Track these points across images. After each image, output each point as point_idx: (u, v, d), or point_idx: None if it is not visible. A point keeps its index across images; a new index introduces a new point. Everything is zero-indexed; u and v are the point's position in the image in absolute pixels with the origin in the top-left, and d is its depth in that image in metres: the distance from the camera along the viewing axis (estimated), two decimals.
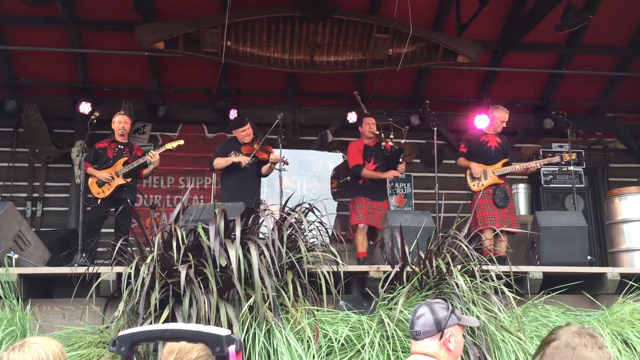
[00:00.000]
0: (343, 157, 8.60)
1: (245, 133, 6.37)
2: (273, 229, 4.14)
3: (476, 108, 8.85)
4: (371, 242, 6.66)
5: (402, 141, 6.62)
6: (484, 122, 7.27)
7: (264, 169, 6.36)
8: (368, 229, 6.41)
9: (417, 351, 2.50)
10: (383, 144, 6.54)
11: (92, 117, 6.17)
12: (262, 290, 3.79)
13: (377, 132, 6.58)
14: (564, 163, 6.84)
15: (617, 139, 9.83)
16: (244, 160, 6.19)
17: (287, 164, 6.29)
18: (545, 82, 9.33)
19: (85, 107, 8.17)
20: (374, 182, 6.52)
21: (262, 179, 6.66)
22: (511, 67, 8.84)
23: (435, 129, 6.20)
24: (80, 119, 8.25)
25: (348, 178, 7.91)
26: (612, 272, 4.98)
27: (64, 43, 8.10)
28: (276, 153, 6.29)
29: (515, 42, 8.37)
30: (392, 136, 6.51)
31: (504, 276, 4.30)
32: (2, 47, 7.93)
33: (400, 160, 6.47)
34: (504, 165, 6.40)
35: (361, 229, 6.34)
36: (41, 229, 8.33)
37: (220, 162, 6.32)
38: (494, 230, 5.68)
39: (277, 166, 6.26)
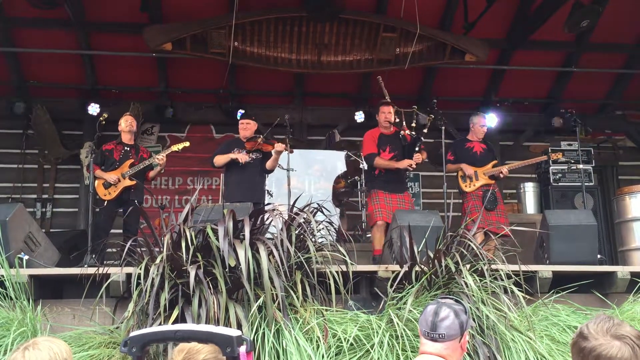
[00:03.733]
0: (349, 156, 8.58)
1: (242, 127, 6.37)
2: (282, 229, 4.14)
3: (486, 107, 8.87)
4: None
5: (425, 131, 6.30)
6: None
7: (269, 163, 6.25)
8: (387, 224, 6.08)
9: (429, 351, 2.49)
10: (402, 132, 6.23)
11: (101, 118, 6.20)
12: (271, 290, 3.79)
13: (397, 121, 6.29)
14: (552, 161, 6.99)
15: (626, 137, 9.79)
16: (241, 157, 6.17)
17: (291, 152, 6.25)
18: (554, 80, 9.30)
19: (93, 109, 8.23)
20: (390, 173, 6.25)
21: (268, 176, 6.63)
22: (519, 66, 8.81)
23: (443, 128, 6.17)
24: (89, 120, 8.31)
25: (356, 178, 7.85)
26: (622, 271, 4.96)
27: (73, 45, 8.15)
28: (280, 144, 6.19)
29: (523, 40, 8.34)
30: (413, 125, 6.21)
31: (513, 275, 4.28)
32: (12, 49, 7.98)
33: (417, 149, 6.14)
34: (494, 166, 6.44)
35: (379, 226, 6.04)
36: (51, 230, 8.39)
37: (219, 159, 6.32)
38: (484, 232, 5.67)
39: (284, 166, 6.23)
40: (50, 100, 8.65)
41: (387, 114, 6.32)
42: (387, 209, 6.06)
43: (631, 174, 9.56)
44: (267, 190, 6.89)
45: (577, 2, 7.12)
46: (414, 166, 6.17)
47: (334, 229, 4.69)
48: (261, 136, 6.26)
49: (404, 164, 6.12)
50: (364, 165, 6.71)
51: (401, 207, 6.05)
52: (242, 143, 6.35)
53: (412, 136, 6.21)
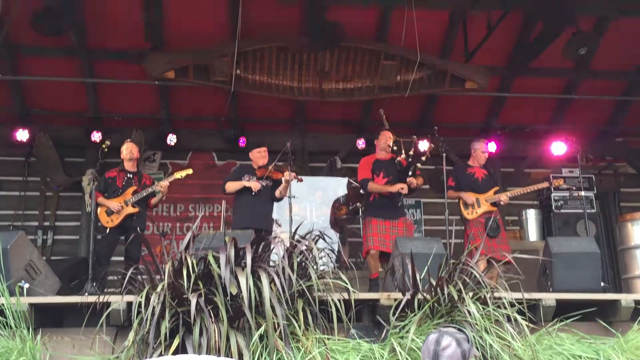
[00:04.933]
0: (351, 183, 8.58)
1: (260, 155, 6.37)
2: (283, 257, 4.13)
3: (487, 134, 8.91)
4: (385, 265, 6.60)
5: (423, 158, 6.36)
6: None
7: (278, 192, 6.25)
8: (381, 252, 6.18)
9: None
10: (398, 158, 6.31)
11: (103, 145, 6.22)
12: (273, 318, 3.76)
13: (395, 148, 6.36)
14: (553, 188, 7.03)
15: (627, 164, 9.79)
16: (254, 186, 6.17)
17: (300, 181, 6.25)
18: (554, 107, 9.34)
19: (96, 136, 8.28)
20: (384, 198, 6.27)
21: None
22: (519, 93, 8.85)
23: (445, 154, 6.20)
24: (92, 147, 8.35)
25: (358, 204, 7.84)
26: (626, 299, 4.91)
27: (76, 73, 8.20)
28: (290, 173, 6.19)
29: (523, 67, 8.40)
30: (411, 152, 6.30)
31: (516, 303, 4.25)
32: (15, 77, 8.05)
33: (410, 173, 6.20)
34: (496, 193, 6.43)
35: (372, 255, 6.13)
36: (52, 258, 8.35)
37: (231, 185, 6.31)
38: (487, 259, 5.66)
39: (287, 193, 6.22)
40: (53, 127, 8.69)
41: (387, 138, 6.42)
42: (379, 236, 6.13)
43: (633, 201, 9.54)
44: (275, 220, 6.89)
45: (576, 30, 7.19)
46: (405, 190, 6.17)
47: (336, 256, 4.67)
48: (272, 164, 6.28)
49: (396, 187, 6.16)
50: (357, 204, 6.75)
51: (394, 234, 6.08)
52: (252, 170, 6.36)
53: (408, 162, 6.28)
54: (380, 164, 6.42)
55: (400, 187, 6.13)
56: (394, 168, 6.37)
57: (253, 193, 6.15)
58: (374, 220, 6.22)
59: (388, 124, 6.70)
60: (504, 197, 6.37)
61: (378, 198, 6.32)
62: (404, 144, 6.37)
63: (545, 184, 6.91)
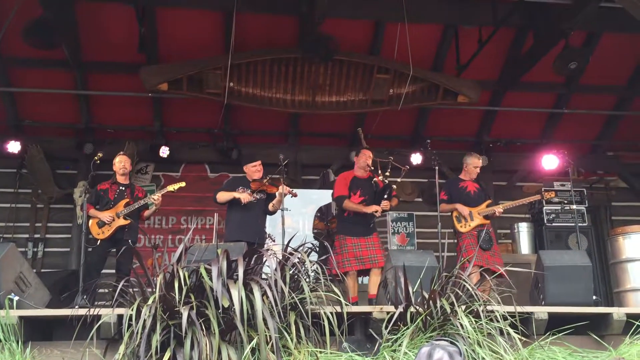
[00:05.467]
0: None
1: (255, 169, 6.37)
2: (276, 269, 4.11)
3: (479, 148, 8.95)
4: (361, 278, 6.63)
5: (399, 180, 6.49)
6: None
7: (271, 205, 6.25)
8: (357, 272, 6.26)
9: None
10: (375, 178, 6.39)
11: (96, 157, 6.19)
12: (265, 331, 3.74)
13: (372, 167, 6.45)
14: (545, 201, 7.25)
15: (618, 178, 9.85)
16: (244, 197, 6.16)
17: (295, 195, 6.25)
18: (545, 121, 9.41)
19: (88, 148, 8.25)
20: (358, 216, 6.33)
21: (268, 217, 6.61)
22: (510, 107, 8.92)
23: (437, 167, 6.23)
24: (84, 159, 8.33)
25: None
26: (618, 313, 4.92)
27: (69, 85, 8.21)
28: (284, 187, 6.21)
29: (514, 81, 8.46)
30: (387, 173, 6.42)
31: (509, 317, 4.24)
32: (7, 89, 8.03)
33: (386, 196, 6.29)
34: (488, 206, 6.46)
35: (351, 275, 6.16)
36: (42, 270, 8.30)
37: (222, 196, 6.30)
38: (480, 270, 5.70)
39: (280, 206, 6.22)
40: (45, 139, 8.66)
41: (367, 157, 6.49)
42: (355, 255, 6.20)
43: (624, 214, 9.60)
44: (269, 234, 6.89)
45: (566, 45, 7.26)
46: (379, 212, 6.27)
47: (328, 268, 4.66)
48: (267, 177, 6.28)
49: (371, 209, 6.25)
50: None
51: (371, 249, 6.20)
52: (247, 182, 6.36)
53: (385, 183, 6.34)
54: (358, 182, 6.48)
55: (374, 210, 6.23)
56: (371, 188, 6.45)
57: (242, 204, 6.15)
58: (349, 239, 6.29)
59: (374, 140, 6.75)
60: (499, 209, 6.40)
61: (352, 215, 6.39)
62: (381, 164, 6.45)
63: (538, 197, 6.95)
